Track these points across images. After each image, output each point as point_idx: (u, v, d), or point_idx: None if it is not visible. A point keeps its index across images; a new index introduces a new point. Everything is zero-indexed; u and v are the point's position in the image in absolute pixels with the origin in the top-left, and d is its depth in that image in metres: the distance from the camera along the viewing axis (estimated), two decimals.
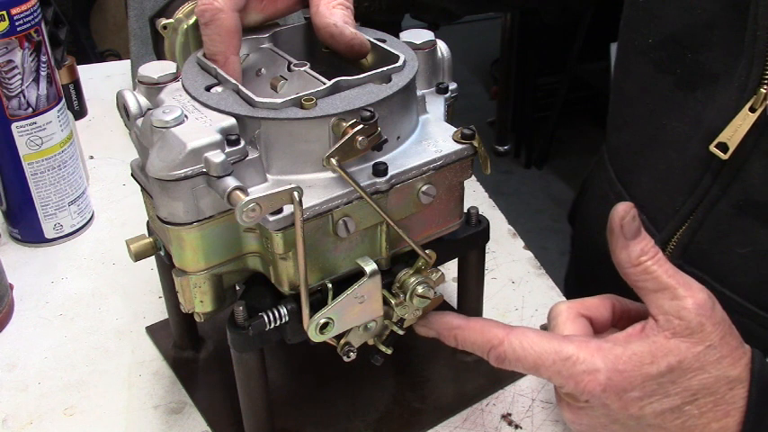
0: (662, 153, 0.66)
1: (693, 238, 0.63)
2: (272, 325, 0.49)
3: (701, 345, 0.47)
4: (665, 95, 0.65)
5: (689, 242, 0.63)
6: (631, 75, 0.70)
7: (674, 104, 0.64)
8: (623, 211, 0.49)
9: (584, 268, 0.82)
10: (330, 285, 0.50)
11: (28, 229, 0.80)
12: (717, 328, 0.47)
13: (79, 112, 1.05)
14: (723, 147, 0.58)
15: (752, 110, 0.55)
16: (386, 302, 0.52)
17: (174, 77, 0.52)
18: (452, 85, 0.59)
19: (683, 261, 0.64)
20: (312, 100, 0.47)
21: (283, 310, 0.50)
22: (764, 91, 0.55)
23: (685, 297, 0.48)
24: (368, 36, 0.54)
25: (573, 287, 0.89)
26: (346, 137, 0.46)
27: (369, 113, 0.47)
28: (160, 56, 0.75)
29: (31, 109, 0.74)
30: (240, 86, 0.49)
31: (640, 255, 0.49)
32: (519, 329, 0.50)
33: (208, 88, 0.50)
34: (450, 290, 0.68)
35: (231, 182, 0.45)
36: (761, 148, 0.57)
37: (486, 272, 0.62)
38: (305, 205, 0.46)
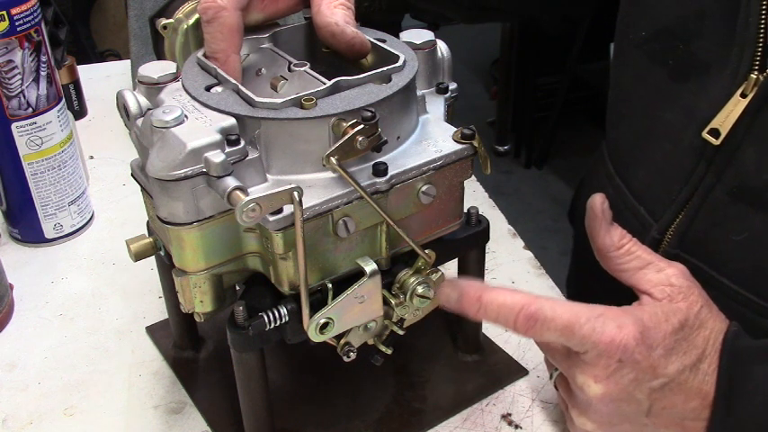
0: (657, 145, 0.67)
1: (690, 227, 0.63)
2: (272, 325, 0.49)
3: (696, 305, 0.51)
4: (658, 87, 0.66)
5: (686, 231, 0.64)
6: (626, 69, 0.70)
7: (667, 96, 0.64)
8: (601, 199, 0.53)
9: (585, 266, 0.82)
10: (330, 285, 0.50)
11: (28, 229, 0.80)
12: (701, 291, 0.52)
13: (79, 112, 1.05)
14: (715, 133, 0.58)
15: (743, 96, 0.56)
16: (386, 302, 0.52)
17: (174, 77, 0.52)
18: (452, 85, 0.59)
19: (680, 250, 0.65)
20: (312, 100, 0.47)
21: (283, 310, 0.50)
22: (755, 76, 0.55)
23: (668, 267, 0.52)
24: (368, 36, 0.54)
25: (574, 287, 0.89)
26: (346, 137, 0.46)
27: (370, 113, 0.47)
28: (160, 56, 0.75)
29: (31, 109, 0.74)
30: (240, 86, 0.49)
31: (621, 238, 0.53)
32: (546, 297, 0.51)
33: (208, 88, 0.50)
34: None
35: (231, 182, 0.45)
36: (753, 133, 0.57)
37: (486, 272, 0.62)
38: (305, 205, 0.46)
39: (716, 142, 0.58)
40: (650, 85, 0.67)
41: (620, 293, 0.68)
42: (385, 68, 0.51)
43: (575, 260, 0.90)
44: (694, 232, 0.63)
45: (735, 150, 0.58)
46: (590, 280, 0.71)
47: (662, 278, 0.52)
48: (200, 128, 0.46)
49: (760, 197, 0.58)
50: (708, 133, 0.58)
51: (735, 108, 0.57)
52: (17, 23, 0.70)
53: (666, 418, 0.51)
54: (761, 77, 0.55)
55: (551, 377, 0.57)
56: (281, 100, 0.47)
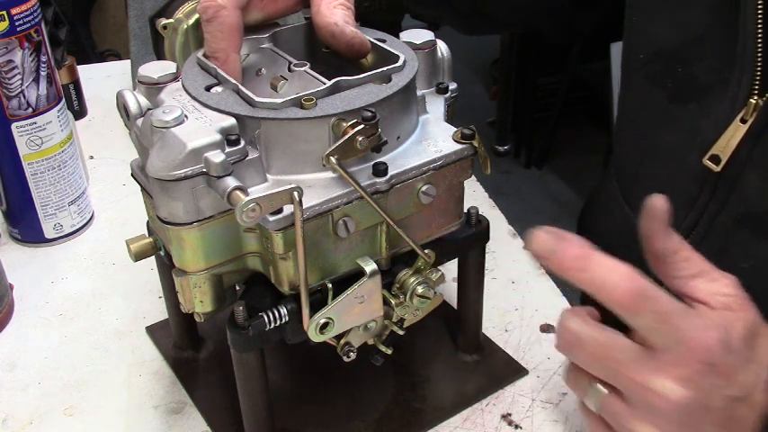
0: (660, 167, 0.66)
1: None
2: (272, 325, 0.49)
3: (752, 313, 0.48)
4: (659, 109, 0.65)
5: None
6: (629, 90, 0.70)
7: (668, 118, 0.64)
8: (663, 200, 0.49)
9: None
10: (330, 285, 0.50)
11: (28, 229, 0.80)
12: (753, 303, 0.48)
13: (79, 112, 1.05)
14: (716, 159, 0.57)
15: (743, 121, 0.55)
16: (386, 302, 0.52)
17: (174, 77, 0.52)
18: (452, 85, 0.59)
19: None
20: (312, 100, 0.47)
21: (283, 310, 0.50)
22: (754, 101, 0.54)
23: (722, 277, 0.48)
24: (368, 36, 0.54)
25: (587, 301, 0.88)
26: (346, 136, 0.46)
27: (370, 114, 0.47)
28: (160, 56, 0.75)
29: (31, 109, 0.74)
30: (240, 86, 0.49)
31: (680, 243, 0.49)
32: None
33: (208, 88, 0.50)
34: (450, 290, 0.68)
35: (231, 182, 0.45)
36: (754, 159, 0.57)
37: (486, 272, 0.62)
38: (305, 205, 0.46)
39: (717, 169, 0.57)
40: (651, 106, 0.67)
41: None
42: (385, 68, 0.51)
43: None
44: None
45: (737, 176, 0.58)
46: None
47: (717, 288, 0.48)
48: (200, 128, 0.46)
49: (764, 224, 0.58)
50: (708, 159, 0.58)
51: (735, 134, 0.56)
52: (17, 23, 0.70)
53: (737, 430, 0.47)
54: (760, 102, 0.54)
55: (584, 401, 0.51)
56: (281, 100, 0.47)
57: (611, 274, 0.46)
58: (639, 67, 0.66)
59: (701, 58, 0.59)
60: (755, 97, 0.54)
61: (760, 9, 0.52)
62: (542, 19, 0.91)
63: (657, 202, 0.49)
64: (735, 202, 0.59)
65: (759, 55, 0.53)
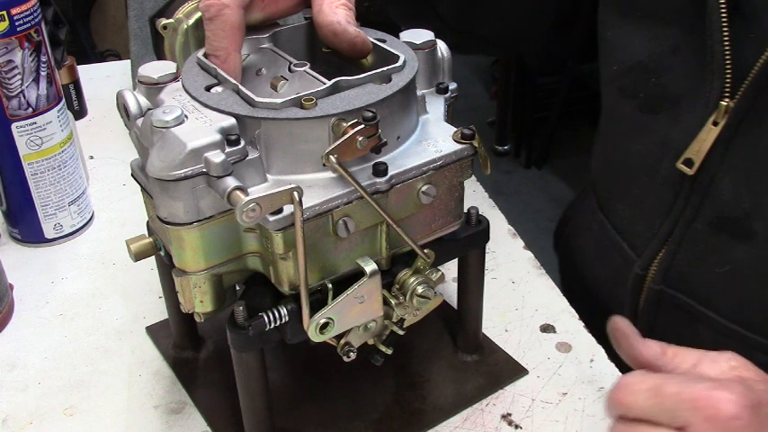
0: (634, 178, 0.67)
1: (673, 262, 0.63)
2: (272, 325, 0.49)
3: (763, 383, 0.45)
4: (629, 120, 0.66)
5: (669, 266, 0.63)
6: (603, 103, 0.70)
7: (639, 128, 0.65)
8: (622, 319, 0.48)
9: (573, 298, 0.82)
10: (330, 285, 0.50)
11: (28, 229, 0.80)
12: (758, 370, 0.46)
13: (79, 112, 1.05)
14: (689, 163, 0.58)
15: (715, 124, 0.56)
16: (386, 302, 0.52)
17: (174, 77, 0.52)
18: (452, 85, 0.59)
19: (664, 285, 0.64)
20: (312, 100, 0.47)
21: (283, 310, 0.50)
22: (725, 104, 0.55)
23: (720, 355, 0.46)
24: (368, 36, 0.54)
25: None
26: (346, 136, 0.46)
27: (370, 114, 0.47)
28: (160, 56, 0.75)
29: (31, 109, 0.74)
30: (240, 86, 0.49)
31: (659, 344, 0.48)
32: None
33: (208, 88, 0.50)
34: (451, 290, 0.68)
35: (231, 182, 0.45)
36: (727, 162, 0.57)
37: (486, 272, 0.62)
38: (305, 205, 0.46)
39: (690, 172, 0.58)
40: (621, 118, 0.67)
41: (609, 309, 0.68)
42: (385, 68, 0.51)
43: (563, 289, 0.89)
44: (677, 267, 0.63)
45: (711, 180, 0.58)
46: (578, 305, 0.71)
47: (722, 367, 0.46)
48: (200, 128, 0.46)
49: (740, 227, 0.58)
50: (682, 163, 0.58)
51: (708, 136, 0.56)
52: (17, 23, 0.70)
53: None
54: (731, 104, 0.55)
55: None
56: (281, 100, 0.47)
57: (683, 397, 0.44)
58: (612, 80, 0.67)
59: (672, 69, 0.60)
60: (726, 100, 0.55)
61: (724, 14, 0.53)
62: (522, 44, 0.92)
63: (619, 323, 0.48)
64: (709, 207, 0.59)
65: (727, 58, 0.54)
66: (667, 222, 0.62)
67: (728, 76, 0.54)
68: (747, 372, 0.46)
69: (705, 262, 0.61)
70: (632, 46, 0.63)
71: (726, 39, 0.53)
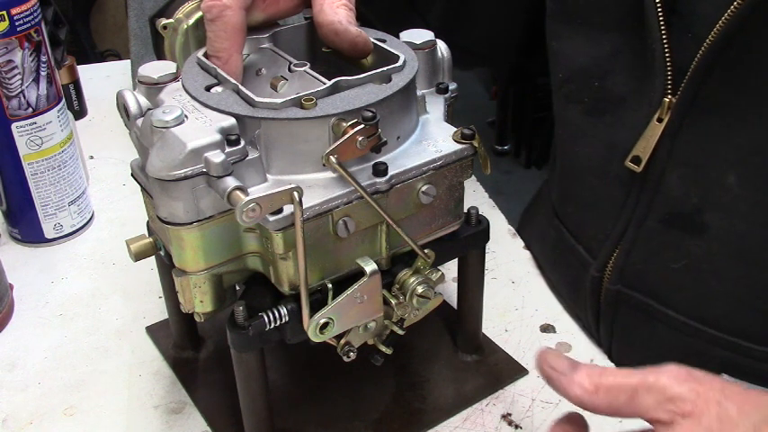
0: (583, 181, 0.67)
1: (628, 261, 0.63)
2: (272, 325, 0.49)
3: (712, 406, 0.41)
4: (575, 124, 0.67)
5: (624, 265, 0.63)
6: (554, 111, 0.71)
7: (584, 131, 0.65)
8: (548, 352, 0.45)
9: None
10: (330, 285, 0.50)
11: (28, 229, 0.80)
12: (710, 385, 0.42)
13: (79, 112, 1.05)
14: (637, 160, 0.59)
15: (659, 120, 0.57)
16: (386, 302, 0.52)
17: (174, 77, 0.52)
18: (452, 85, 0.59)
19: (621, 285, 0.64)
20: (312, 100, 0.47)
21: (283, 310, 0.50)
22: (667, 100, 0.56)
23: (658, 377, 0.42)
24: (368, 36, 0.54)
25: None
26: (346, 136, 0.46)
27: (370, 114, 0.47)
28: (160, 56, 0.75)
29: (31, 109, 0.74)
30: (240, 86, 0.49)
31: (589, 377, 0.43)
32: None
33: (208, 88, 0.50)
34: (451, 290, 0.68)
35: (231, 182, 0.45)
36: (674, 158, 0.57)
37: (486, 272, 0.62)
38: (305, 205, 0.46)
39: (638, 169, 0.58)
40: (567, 123, 0.68)
41: (581, 319, 0.68)
42: (385, 68, 0.51)
43: None
44: (633, 266, 0.63)
45: (659, 177, 0.59)
46: None
47: (659, 399, 0.41)
48: (200, 128, 0.46)
49: (692, 222, 0.58)
50: (630, 161, 0.59)
51: (653, 133, 0.57)
52: (17, 23, 0.70)
53: None
54: (674, 100, 0.55)
55: None
56: (281, 100, 0.47)
57: (623, 387, 0.43)
58: (560, 87, 0.68)
59: (614, 71, 0.61)
60: (669, 96, 0.56)
61: (661, 16, 0.54)
62: (498, 55, 0.93)
63: (547, 356, 0.45)
64: (660, 204, 0.60)
65: (667, 56, 0.55)
66: (620, 222, 0.63)
67: (669, 73, 0.55)
68: (689, 406, 0.41)
69: (660, 259, 0.61)
70: (575, 53, 0.64)
71: (664, 38, 0.54)
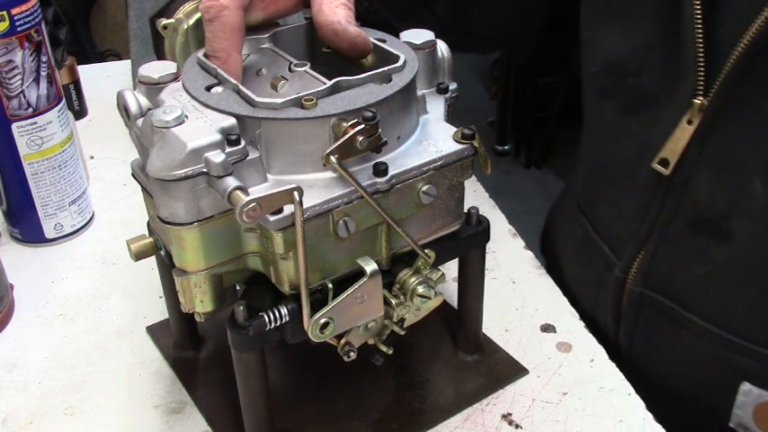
0: (613, 180, 0.66)
1: (652, 264, 0.62)
2: (273, 325, 0.49)
3: None
4: (609, 122, 0.65)
5: (648, 267, 0.63)
6: (583, 106, 0.70)
7: (618, 130, 0.64)
8: None
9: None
10: (330, 285, 0.50)
11: (28, 229, 0.80)
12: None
13: (79, 112, 1.05)
14: (665, 163, 0.58)
15: (689, 123, 0.56)
16: (386, 302, 0.52)
17: (174, 77, 0.52)
18: (452, 85, 0.59)
19: (645, 288, 0.64)
20: (312, 100, 0.47)
21: (283, 310, 0.50)
22: (698, 102, 0.54)
23: None
24: (368, 36, 0.54)
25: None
26: (346, 136, 0.46)
27: (370, 114, 0.47)
28: (160, 56, 0.75)
29: (31, 109, 0.74)
30: (240, 86, 0.49)
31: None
32: None
33: (208, 88, 0.50)
34: (451, 290, 0.68)
35: (231, 182, 0.45)
36: (703, 161, 0.57)
37: (486, 272, 0.62)
38: (305, 205, 0.46)
39: (666, 172, 0.58)
40: (601, 120, 0.67)
41: (593, 314, 0.67)
42: (385, 68, 0.51)
43: None
44: (657, 269, 0.63)
45: (687, 180, 0.58)
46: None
47: None
48: (200, 128, 0.46)
49: (717, 227, 0.58)
50: (658, 163, 0.58)
51: (682, 135, 0.56)
52: (17, 23, 0.70)
53: None
54: (705, 102, 0.54)
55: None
56: (282, 100, 0.47)
57: None
58: (590, 80, 0.67)
59: (648, 67, 0.60)
60: (700, 98, 0.54)
61: (698, 10, 0.53)
62: (516, 40, 0.92)
63: None
64: (687, 208, 0.59)
65: (700, 56, 0.53)
66: (645, 224, 0.62)
67: (701, 73, 0.54)
68: None
69: (684, 263, 0.61)
70: (609, 45, 0.63)
71: (699, 34, 0.53)
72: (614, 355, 0.65)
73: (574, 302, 0.70)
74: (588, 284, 0.71)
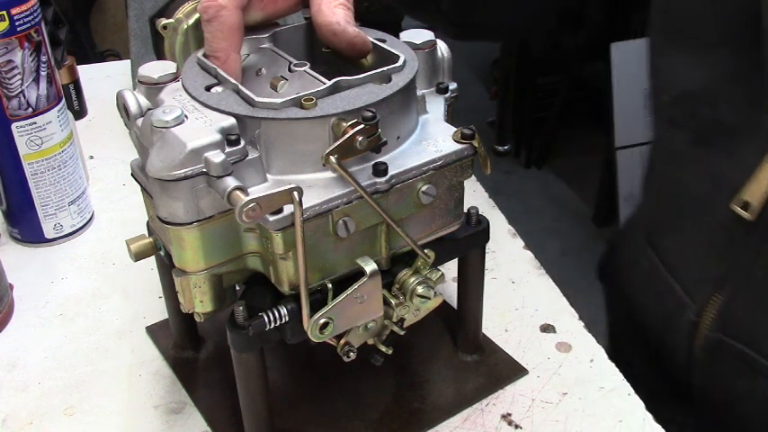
0: (686, 214, 0.63)
1: (730, 309, 0.59)
2: (272, 325, 0.49)
3: None
4: (681, 152, 0.62)
5: (726, 312, 0.59)
6: (655, 135, 0.67)
7: (691, 161, 0.61)
8: None
9: (623, 336, 0.79)
10: (330, 285, 0.50)
11: (28, 229, 0.80)
12: None
13: (79, 112, 1.05)
14: (747, 205, 0.53)
15: None
16: (386, 302, 0.52)
17: (174, 77, 0.52)
18: (452, 85, 0.59)
19: (722, 334, 0.60)
20: (312, 100, 0.47)
21: (283, 310, 0.50)
22: None
23: None
24: (368, 36, 0.54)
25: (612, 346, 0.81)
26: (346, 136, 0.46)
27: (370, 114, 0.47)
28: (160, 56, 0.75)
29: (31, 109, 0.74)
30: (240, 86, 0.49)
31: None
32: None
33: (208, 88, 0.50)
34: (451, 290, 0.68)
35: (231, 182, 0.45)
36: None
37: (486, 272, 0.62)
38: (305, 205, 0.46)
39: (749, 217, 0.53)
40: (670, 149, 0.64)
41: (662, 351, 0.64)
42: (385, 68, 0.51)
43: (610, 320, 0.84)
44: (735, 314, 0.58)
45: None
46: (629, 345, 0.68)
47: None
48: (200, 128, 0.46)
49: None
50: (740, 206, 0.54)
51: (766, 176, 0.52)
52: (17, 23, 0.70)
53: None
54: None
55: None
56: (281, 100, 0.47)
57: None
58: (663, 110, 0.64)
59: (725, 99, 0.56)
60: None
61: None
62: (528, 32, 0.90)
63: None
64: None
65: None
66: (721, 265, 0.58)
67: None
68: None
69: (764, 309, 0.57)
70: (682, 74, 0.59)
71: None
72: (684, 393, 0.62)
73: (643, 331, 0.67)
74: (657, 323, 0.67)
